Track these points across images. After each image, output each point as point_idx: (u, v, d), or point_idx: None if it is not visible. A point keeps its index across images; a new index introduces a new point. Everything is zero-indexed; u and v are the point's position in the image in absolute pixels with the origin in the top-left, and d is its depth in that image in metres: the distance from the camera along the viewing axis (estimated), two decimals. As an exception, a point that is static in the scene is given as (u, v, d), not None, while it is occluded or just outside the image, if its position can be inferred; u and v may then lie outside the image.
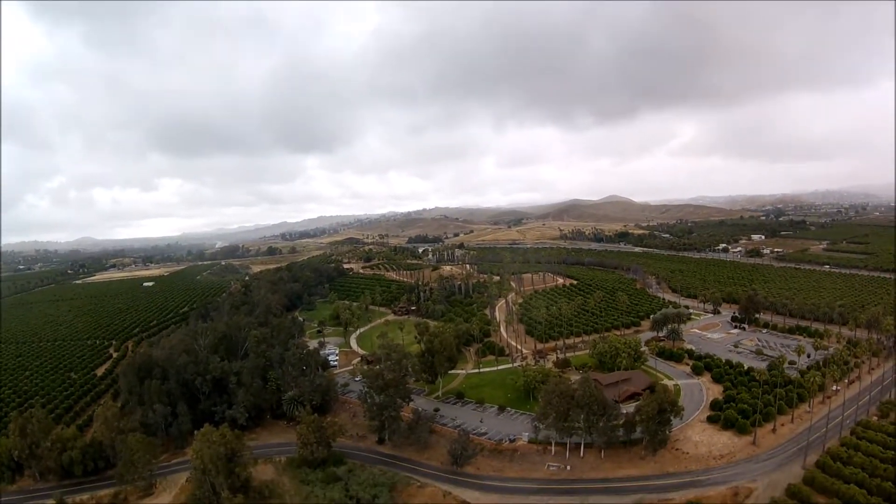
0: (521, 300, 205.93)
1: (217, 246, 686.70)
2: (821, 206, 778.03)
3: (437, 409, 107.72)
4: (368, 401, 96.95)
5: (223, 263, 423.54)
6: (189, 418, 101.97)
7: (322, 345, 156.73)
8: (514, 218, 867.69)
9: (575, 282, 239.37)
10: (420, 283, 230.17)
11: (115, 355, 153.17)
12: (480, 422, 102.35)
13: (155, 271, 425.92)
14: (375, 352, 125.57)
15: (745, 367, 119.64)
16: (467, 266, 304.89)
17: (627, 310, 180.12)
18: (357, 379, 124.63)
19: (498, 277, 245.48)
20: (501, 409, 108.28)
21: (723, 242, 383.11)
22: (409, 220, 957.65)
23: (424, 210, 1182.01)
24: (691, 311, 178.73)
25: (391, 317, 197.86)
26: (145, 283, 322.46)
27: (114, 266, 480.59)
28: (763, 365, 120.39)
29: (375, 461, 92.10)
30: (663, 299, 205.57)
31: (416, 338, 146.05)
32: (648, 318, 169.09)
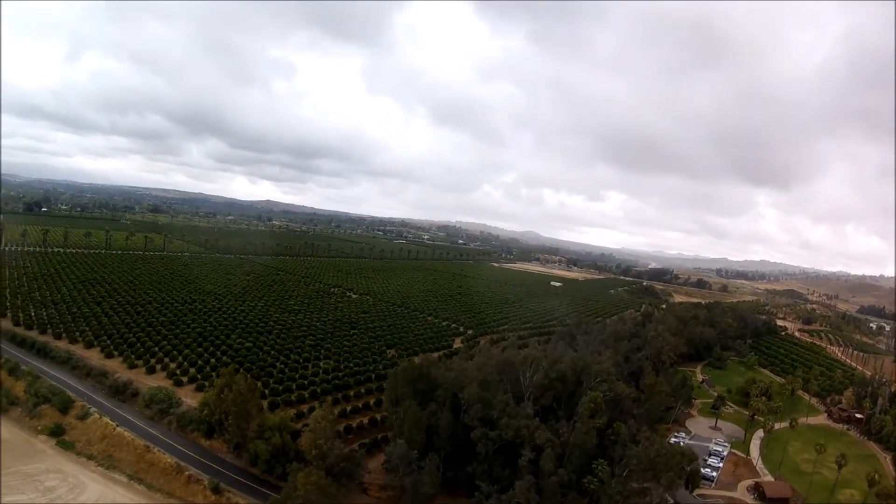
0: None
1: (649, 266, 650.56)
2: None
3: None
4: None
5: (644, 283, 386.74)
6: (437, 479, 62.01)
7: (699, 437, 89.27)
8: None
9: None
10: (876, 378, 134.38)
11: (456, 346, 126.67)
12: None
13: (572, 274, 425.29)
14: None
15: None
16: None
17: None
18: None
19: None
20: None
21: None
22: (861, 284, 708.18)
23: (882, 277, 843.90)
24: None
25: (822, 418, 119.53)
26: (552, 283, 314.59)
27: (537, 259, 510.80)
28: None
29: None
30: None
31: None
32: None
